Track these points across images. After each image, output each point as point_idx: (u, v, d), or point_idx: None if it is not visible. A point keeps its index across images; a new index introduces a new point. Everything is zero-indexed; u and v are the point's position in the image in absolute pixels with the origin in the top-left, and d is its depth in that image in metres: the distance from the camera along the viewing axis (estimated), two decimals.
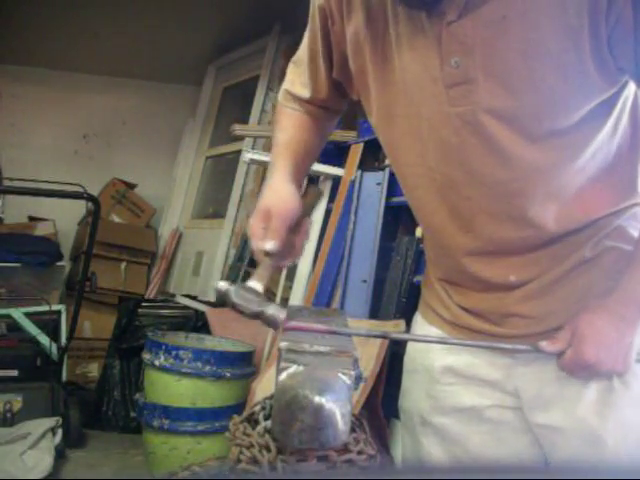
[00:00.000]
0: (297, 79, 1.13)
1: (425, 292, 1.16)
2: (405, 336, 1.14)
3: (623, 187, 0.97)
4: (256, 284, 0.95)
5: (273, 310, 0.91)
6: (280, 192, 1.02)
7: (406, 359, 1.15)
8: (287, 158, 1.08)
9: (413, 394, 1.12)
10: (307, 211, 1.06)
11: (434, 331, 1.10)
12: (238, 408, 2.44)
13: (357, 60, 1.00)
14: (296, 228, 1.00)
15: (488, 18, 0.85)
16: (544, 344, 0.93)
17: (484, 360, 1.03)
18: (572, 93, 0.87)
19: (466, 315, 1.04)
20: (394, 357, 2.04)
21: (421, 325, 1.13)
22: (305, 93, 1.12)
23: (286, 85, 1.16)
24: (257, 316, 0.92)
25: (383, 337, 0.99)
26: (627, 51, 0.84)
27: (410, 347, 1.15)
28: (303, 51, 1.11)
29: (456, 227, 0.99)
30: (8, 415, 2.72)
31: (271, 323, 0.92)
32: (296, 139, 1.11)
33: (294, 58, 1.15)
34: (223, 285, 0.94)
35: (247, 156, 2.90)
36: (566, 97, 0.87)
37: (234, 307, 0.93)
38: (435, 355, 1.07)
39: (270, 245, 0.95)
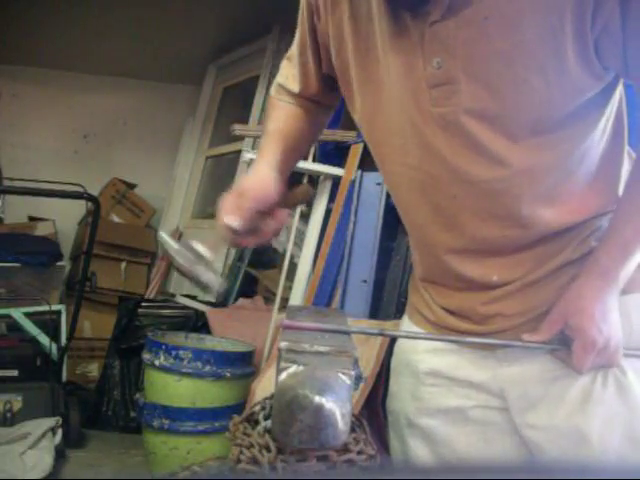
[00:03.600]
0: (289, 73, 1.14)
1: (411, 294, 1.16)
2: (400, 332, 1.15)
3: (607, 191, 0.97)
4: (200, 246, 0.96)
5: (208, 278, 0.94)
6: (259, 176, 1.03)
7: (393, 361, 1.15)
8: (274, 147, 1.08)
9: (399, 396, 1.12)
10: (289, 203, 1.06)
11: (418, 331, 1.10)
12: (238, 408, 2.44)
13: (340, 56, 1.01)
14: (269, 214, 1.00)
15: (470, 19, 0.85)
16: (525, 336, 0.94)
17: (469, 362, 1.03)
18: (554, 94, 0.87)
19: (448, 316, 1.04)
20: None
21: (407, 327, 1.13)
22: (295, 87, 1.13)
23: (279, 79, 1.17)
24: (191, 277, 0.94)
25: (379, 334, 0.99)
26: (615, 51, 0.84)
27: (396, 349, 1.15)
28: (294, 46, 1.12)
29: (439, 225, 0.99)
30: (8, 415, 2.72)
31: (205, 289, 0.95)
32: (285, 129, 1.12)
33: (288, 54, 1.16)
34: (164, 237, 0.96)
35: (247, 156, 2.90)
36: (548, 98, 0.87)
37: (173, 262, 0.96)
38: (420, 357, 1.07)
39: (232, 220, 0.96)
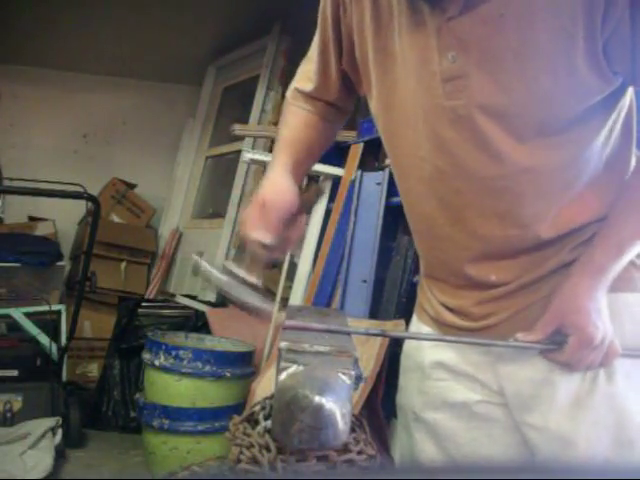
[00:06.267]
0: (305, 75, 1.15)
1: (419, 292, 1.17)
2: (402, 334, 1.15)
3: (610, 197, 0.97)
4: (246, 274, 0.96)
5: (263, 304, 0.94)
6: (277, 185, 1.03)
7: (402, 357, 1.17)
8: (288, 153, 1.08)
9: (407, 391, 1.14)
10: (305, 207, 1.06)
11: (425, 329, 1.11)
12: (238, 408, 2.44)
13: (360, 48, 1.02)
14: (292, 221, 1.01)
15: (486, 15, 0.86)
16: (520, 335, 0.94)
17: (470, 358, 1.04)
18: (562, 94, 0.88)
19: (447, 313, 1.06)
20: (394, 357, 2.04)
21: (415, 324, 1.15)
22: (309, 86, 1.13)
23: (294, 83, 1.17)
24: (247, 308, 0.94)
25: (381, 335, 1.00)
26: (624, 56, 0.85)
27: (406, 345, 1.17)
28: (314, 46, 1.12)
29: (445, 218, 1.00)
30: (8, 415, 2.72)
31: (265, 317, 0.95)
32: (299, 135, 1.12)
33: (306, 57, 1.16)
34: (208, 267, 0.96)
35: (247, 156, 2.90)
36: (556, 98, 0.88)
37: (232, 301, 0.95)
38: (426, 351, 1.09)
39: (263, 236, 0.95)
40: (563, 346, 0.93)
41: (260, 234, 0.96)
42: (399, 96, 0.97)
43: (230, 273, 0.96)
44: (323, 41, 1.09)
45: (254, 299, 0.95)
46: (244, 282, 0.95)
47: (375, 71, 1.00)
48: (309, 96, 1.14)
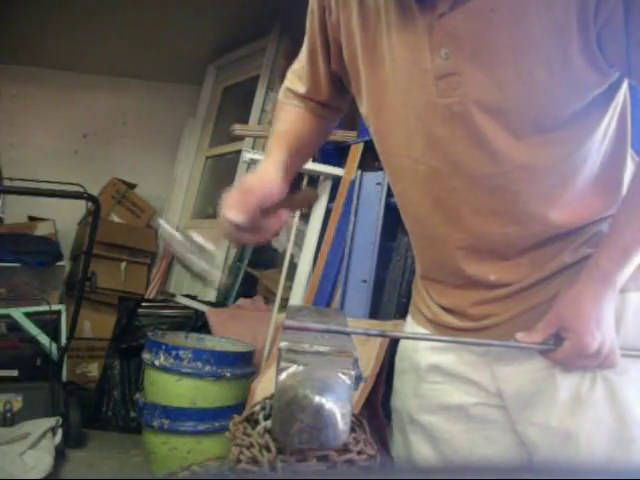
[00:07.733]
0: (296, 75, 1.15)
1: (413, 293, 1.17)
2: (402, 334, 1.15)
3: (609, 195, 0.97)
4: (201, 238, 0.95)
5: (208, 269, 0.94)
6: (263, 174, 1.02)
7: (396, 359, 1.16)
8: (280, 147, 1.08)
9: (402, 393, 1.13)
10: (293, 205, 1.06)
11: (420, 330, 1.11)
12: (238, 408, 2.44)
13: (349, 50, 1.01)
14: (273, 212, 1.00)
15: (477, 10, 0.85)
16: (520, 335, 0.94)
17: (466, 361, 1.04)
18: (558, 89, 0.87)
19: (445, 314, 1.05)
20: (394, 357, 2.04)
21: (410, 325, 1.14)
22: (301, 87, 1.13)
23: (286, 83, 1.17)
24: (192, 269, 0.94)
25: (381, 335, 1.00)
26: (618, 49, 0.84)
27: (400, 347, 1.17)
28: (303, 48, 1.12)
29: (441, 218, 0.99)
30: (8, 415, 2.72)
31: (205, 281, 0.97)
32: (292, 131, 1.12)
33: (297, 59, 1.16)
34: (165, 226, 0.96)
35: (247, 156, 2.90)
36: (552, 92, 0.87)
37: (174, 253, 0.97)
38: (421, 354, 1.08)
39: (235, 215, 0.95)
40: (557, 347, 0.93)
41: (233, 214, 0.95)
42: (389, 96, 0.97)
43: (188, 237, 0.96)
44: (311, 44, 1.09)
45: (202, 264, 0.95)
46: (199, 247, 0.95)
47: (364, 72, 1.00)
48: (301, 97, 1.14)
